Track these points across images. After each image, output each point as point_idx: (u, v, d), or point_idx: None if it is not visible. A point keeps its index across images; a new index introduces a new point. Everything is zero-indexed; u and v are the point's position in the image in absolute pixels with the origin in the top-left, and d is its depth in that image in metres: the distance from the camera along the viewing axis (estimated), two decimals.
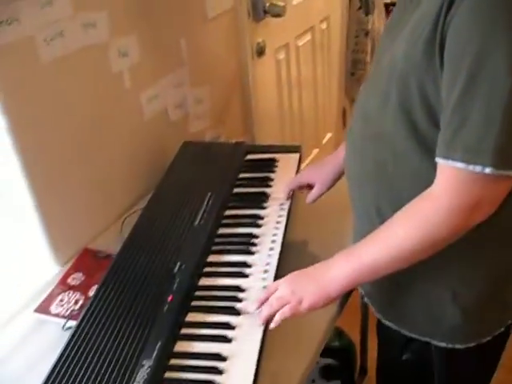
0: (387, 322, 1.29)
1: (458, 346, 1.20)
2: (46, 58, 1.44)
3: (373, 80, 1.17)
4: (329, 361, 2.02)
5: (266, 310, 1.17)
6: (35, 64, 1.42)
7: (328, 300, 1.12)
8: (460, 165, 0.92)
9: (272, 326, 1.15)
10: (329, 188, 1.49)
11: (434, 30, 0.93)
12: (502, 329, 1.22)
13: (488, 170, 0.90)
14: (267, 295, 1.19)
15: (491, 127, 0.89)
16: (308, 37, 2.97)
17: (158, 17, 1.83)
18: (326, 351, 2.01)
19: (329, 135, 3.48)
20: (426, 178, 1.01)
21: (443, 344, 1.21)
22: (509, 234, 1.12)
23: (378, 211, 1.18)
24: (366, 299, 1.36)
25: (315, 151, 3.31)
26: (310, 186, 1.53)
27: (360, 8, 3.30)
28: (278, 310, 1.14)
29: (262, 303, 1.19)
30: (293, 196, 1.60)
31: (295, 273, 1.18)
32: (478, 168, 0.90)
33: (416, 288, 1.18)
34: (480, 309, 1.17)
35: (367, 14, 3.31)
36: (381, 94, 1.09)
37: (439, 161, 0.96)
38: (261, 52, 2.47)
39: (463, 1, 0.88)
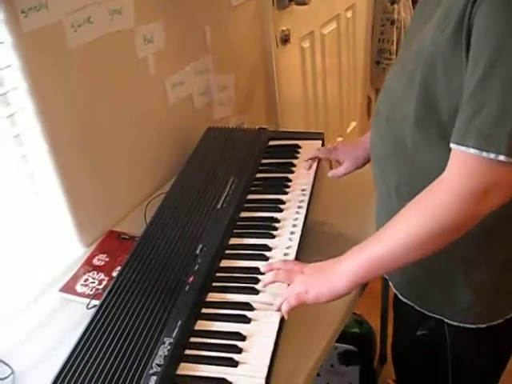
0: (404, 298, 1.31)
1: (469, 326, 1.21)
2: (73, 43, 1.47)
3: (401, 62, 1.18)
4: (348, 347, 2.03)
5: (278, 300, 1.18)
6: (63, 49, 1.45)
7: (334, 294, 1.11)
8: (473, 151, 0.92)
9: (284, 315, 1.16)
10: (355, 169, 1.51)
11: (462, 18, 0.94)
12: None
13: (502, 158, 0.90)
14: (277, 279, 1.21)
15: (507, 115, 0.89)
16: (333, 25, 2.96)
17: (183, 4, 1.85)
18: (346, 337, 2.03)
19: (353, 124, 3.48)
20: (443, 164, 1.01)
21: (455, 323, 1.23)
22: None
23: (397, 191, 1.19)
24: (385, 275, 1.37)
25: (339, 140, 3.31)
26: (336, 162, 1.55)
27: None
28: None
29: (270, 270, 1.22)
30: (314, 182, 1.61)
31: (309, 264, 1.19)
32: (492, 155, 0.90)
33: (432, 266, 1.18)
34: (492, 290, 1.18)
35: (393, 2, 3.29)
36: (407, 76, 1.11)
37: (453, 146, 0.96)
38: (285, 40, 2.48)
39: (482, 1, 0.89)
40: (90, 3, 1.49)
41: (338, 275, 1.10)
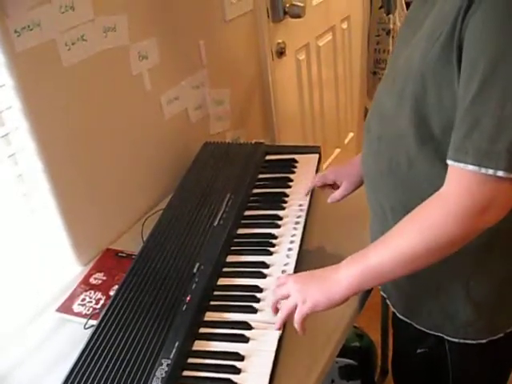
0: (402, 316, 1.30)
1: (470, 342, 1.21)
2: (67, 61, 1.46)
3: (389, 79, 1.17)
4: (349, 361, 2.02)
5: (279, 318, 1.17)
6: (57, 68, 1.45)
7: (331, 302, 1.10)
8: (471, 167, 0.91)
9: (299, 332, 1.14)
10: (355, 189, 1.47)
11: (452, 32, 0.93)
12: None
13: (500, 173, 0.89)
14: (276, 296, 1.19)
15: (504, 130, 0.88)
16: (329, 37, 2.96)
17: (177, 19, 1.84)
18: (347, 351, 2.02)
19: (351, 135, 3.48)
20: (439, 181, 1.00)
21: (456, 339, 1.22)
22: None
23: (392, 210, 1.19)
24: (382, 293, 1.36)
25: (337, 151, 3.30)
26: (333, 186, 1.53)
27: (381, 7, 3.29)
28: (288, 313, 1.14)
29: (275, 304, 1.20)
30: (312, 197, 1.60)
31: (303, 273, 1.18)
32: (490, 171, 0.90)
33: (430, 283, 1.18)
34: (492, 305, 1.18)
35: (388, 13, 3.30)
36: (396, 94, 1.09)
37: (450, 163, 0.95)
38: (281, 53, 2.47)
39: (480, 5, 0.88)
40: (84, 21, 1.49)
41: (335, 284, 1.09)
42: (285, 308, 1.15)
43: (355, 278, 1.07)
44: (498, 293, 1.17)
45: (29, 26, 1.34)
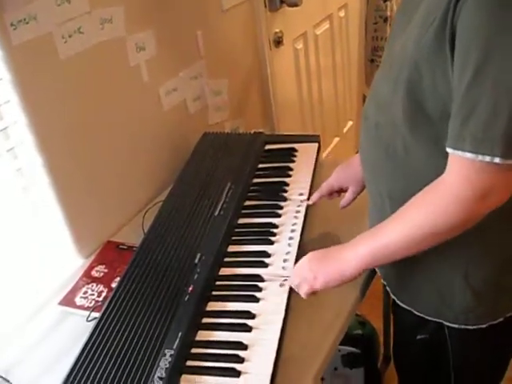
0: (401, 303, 1.30)
1: (469, 327, 1.20)
2: (64, 54, 1.46)
3: (386, 65, 1.17)
4: (351, 349, 2.02)
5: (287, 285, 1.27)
6: (54, 60, 1.44)
7: (342, 279, 1.16)
8: (469, 155, 0.92)
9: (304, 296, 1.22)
10: (362, 190, 1.46)
11: (445, 19, 0.93)
12: None
13: (497, 160, 0.90)
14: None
15: (499, 117, 0.89)
16: (326, 25, 2.96)
17: (174, 10, 1.84)
18: (349, 339, 2.02)
19: (350, 123, 3.48)
20: (435, 166, 1.02)
21: (455, 325, 1.22)
22: None
23: (390, 197, 1.19)
24: (382, 280, 1.37)
25: (336, 140, 3.30)
26: (339, 191, 1.51)
27: None
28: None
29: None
30: (311, 187, 1.60)
31: (315, 251, 1.23)
32: (487, 158, 0.91)
33: (428, 269, 1.19)
34: (491, 290, 1.17)
35: (386, 0, 3.29)
36: (392, 80, 1.09)
37: (449, 151, 0.96)
38: (278, 42, 2.47)
39: (465, 2, 0.89)
40: (80, 13, 1.48)
41: (345, 262, 1.14)
42: (295, 278, 1.23)
43: (363, 257, 1.12)
44: (496, 278, 1.16)
45: (25, 19, 1.34)
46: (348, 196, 1.47)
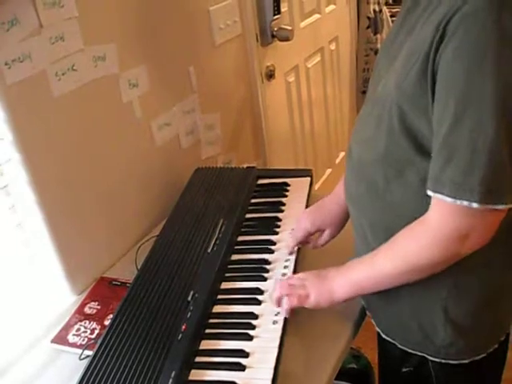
0: (385, 336, 1.31)
1: (452, 362, 1.21)
2: (58, 91, 1.47)
3: (368, 104, 1.20)
4: (345, 383, 2.01)
5: (276, 292, 1.28)
6: (48, 98, 1.45)
7: (332, 301, 1.21)
8: (448, 199, 0.97)
9: (283, 313, 1.28)
10: (341, 229, 1.47)
11: (426, 64, 0.97)
12: (496, 345, 1.24)
13: (475, 205, 0.94)
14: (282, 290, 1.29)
15: (476, 163, 0.93)
16: (317, 58, 3.00)
17: (166, 46, 1.86)
18: (343, 373, 2.01)
19: (342, 154, 3.50)
20: (415, 202, 1.07)
21: (438, 359, 1.22)
22: (499, 257, 1.14)
23: (372, 230, 1.21)
24: (367, 312, 1.37)
25: (328, 171, 3.32)
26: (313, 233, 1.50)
27: (368, 27, 3.34)
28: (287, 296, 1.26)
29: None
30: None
31: (313, 271, 1.28)
32: (466, 203, 0.95)
33: (410, 303, 1.20)
34: (471, 326, 1.18)
35: (376, 33, 3.34)
36: (374, 119, 1.13)
37: (430, 193, 1.00)
38: (270, 75, 2.50)
39: (451, 40, 0.92)
40: (74, 51, 1.49)
41: (337, 286, 1.20)
42: (287, 289, 1.26)
43: (353, 285, 1.18)
44: (475, 314, 1.17)
45: (19, 58, 1.35)
46: (325, 238, 1.48)
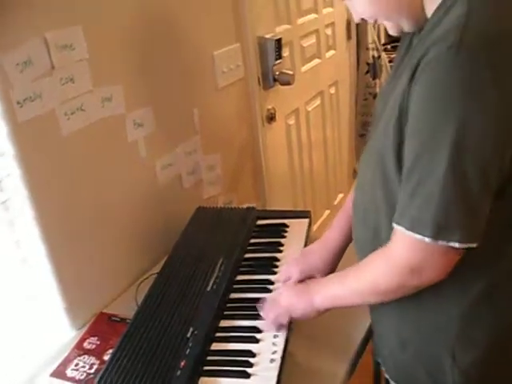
0: (394, 383, 1.32)
1: None
2: (66, 130, 1.52)
3: (367, 152, 1.25)
4: None
5: (266, 312, 1.37)
6: (57, 136, 1.50)
7: (314, 311, 1.29)
8: (407, 232, 1.03)
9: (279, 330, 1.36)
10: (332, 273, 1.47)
11: (401, 108, 1.03)
12: None
13: (427, 240, 1.00)
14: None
15: (431, 203, 0.99)
16: (317, 101, 3.06)
17: (171, 88, 1.91)
18: None
19: (340, 196, 3.54)
20: None
21: None
22: (503, 302, 1.15)
23: None
24: (377, 358, 1.38)
25: (327, 212, 3.35)
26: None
27: (368, 72, 3.40)
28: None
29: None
30: None
31: (297, 285, 1.40)
32: (419, 236, 1.01)
33: (419, 350, 1.21)
34: (479, 372, 1.18)
35: (375, 78, 3.41)
36: (371, 166, 1.18)
37: (393, 224, 1.06)
38: (271, 118, 2.55)
39: (416, 84, 0.99)
40: (82, 92, 1.55)
41: (316, 298, 1.28)
42: (271, 312, 1.36)
43: (323, 300, 1.27)
44: (483, 361, 1.17)
45: (31, 97, 1.40)
46: None
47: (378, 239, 1.19)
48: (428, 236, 1.00)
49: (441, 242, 1.00)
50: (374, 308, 1.32)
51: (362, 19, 1.18)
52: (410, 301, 1.15)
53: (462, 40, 0.93)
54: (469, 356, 1.17)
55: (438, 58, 0.95)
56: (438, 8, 1.04)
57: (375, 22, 1.17)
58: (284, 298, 1.36)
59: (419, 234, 1.01)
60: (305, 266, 1.48)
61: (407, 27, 1.14)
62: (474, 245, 1.00)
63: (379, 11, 1.13)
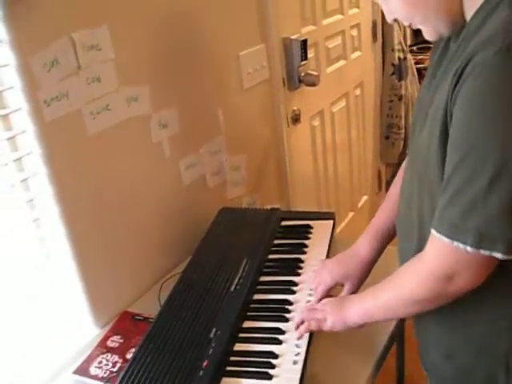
0: None
1: None
2: (92, 129, 1.53)
3: (411, 160, 1.23)
4: None
5: (298, 317, 1.37)
6: (82, 135, 1.51)
7: (346, 327, 1.28)
8: (446, 239, 1.00)
9: (297, 335, 1.36)
10: (360, 287, 1.44)
11: (445, 117, 1.00)
12: None
13: (469, 248, 0.97)
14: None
15: (474, 208, 0.95)
16: (342, 103, 3.04)
17: (197, 89, 1.92)
18: None
19: (364, 198, 3.52)
20: None
21: None
22: None
23: None
24: (425, 373, 1.35)
25: (351, 214, 3.34)
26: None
27: (393, 74, 3.38)
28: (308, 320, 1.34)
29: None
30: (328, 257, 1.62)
31: (332, 298, 1.38)
32: (461, 245, 0.98)
33: (469, 364, 1.18)
34: None
35: (400, 79, 3.38)
36: (416, 175, 1.16)
37: (431, 230, 1.03)
38: (296, 119, 2.54)
39: (460, 91, 0.95)
40: (108, 92, 1.56)
41: (349, 313, 1.26)
42: (306, 314, 1.36)
43: (357, 316, 1.25)
44: None
45: (57, 97, 1.41)
46: (347, 292, 1.44)
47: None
48: (469, 245, 0.97)
49: (483, 252, 0.96)
50: (420, 316, 1.25)
51: (395, 20, 1.14)
52: (456, 311, 1.13)
53: (509, 45, 0.90)
54: None
55: (484, 64, 0.92)
56: (478, 11, 1.01)
57: (409, 25, 1.12)
58: (321, 314, 1.32)
59: (460, 242, 0.97)
60: (340, 271, 1.45)
61: (444, 31, 1.10)
62: None
63: (416, 12, 1.08)
